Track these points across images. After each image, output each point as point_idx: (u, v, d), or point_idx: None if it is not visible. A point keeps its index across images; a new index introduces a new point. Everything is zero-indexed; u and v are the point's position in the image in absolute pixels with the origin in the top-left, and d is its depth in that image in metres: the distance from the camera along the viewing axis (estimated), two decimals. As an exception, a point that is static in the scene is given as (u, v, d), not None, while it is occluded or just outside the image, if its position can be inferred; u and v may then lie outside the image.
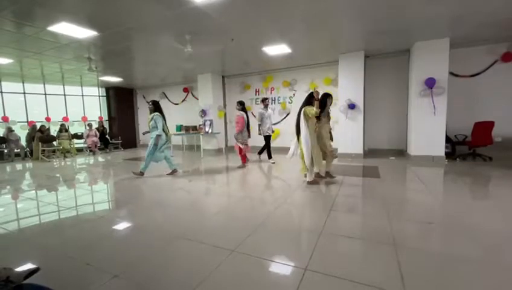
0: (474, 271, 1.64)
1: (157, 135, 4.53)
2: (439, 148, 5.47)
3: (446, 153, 5.54)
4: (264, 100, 6.01)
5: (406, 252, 1.86)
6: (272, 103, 8.25)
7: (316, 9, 3.89)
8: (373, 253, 1.89)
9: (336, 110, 6.91)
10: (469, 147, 5.53)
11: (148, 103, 4.76)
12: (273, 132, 6.16)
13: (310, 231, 2.26)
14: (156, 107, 4.66)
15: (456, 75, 5.86)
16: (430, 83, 5.37)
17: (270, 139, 6.07)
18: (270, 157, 6.06)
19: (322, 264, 1.72)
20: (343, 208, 2.84)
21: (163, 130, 4.60)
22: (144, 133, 5.45)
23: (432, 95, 5.41)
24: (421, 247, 1.97)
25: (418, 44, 5.55)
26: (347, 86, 6.39)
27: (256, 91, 8.49)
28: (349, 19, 4.38)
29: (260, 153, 6.37)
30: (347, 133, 6.41)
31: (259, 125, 5.97)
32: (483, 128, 5.15)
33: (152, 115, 4.60)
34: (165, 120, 4.71)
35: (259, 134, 6.06)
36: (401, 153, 6.44)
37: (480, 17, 4.29)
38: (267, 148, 6.10)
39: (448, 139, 5.66)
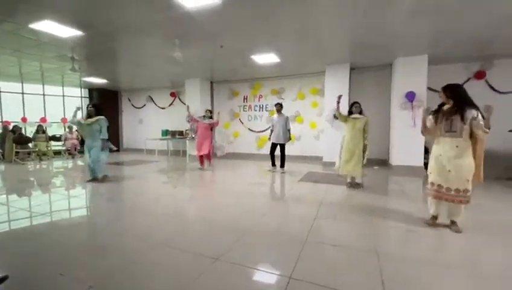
0: (452, 277, 1.70)
1: (102, 139, 4.47)
2: (419, 159, 5.71)
3: (425, 164, 5.79)
4: (275, 105, 5.78)
5: (387, 260, 1.90)
6: (259, 110, 8.31)
7: (304, 22, 4.01)
8: (356, 261, 1.91)
9: (321, 120, 7.10)
10: (446, 159, 5.78)
11: (88, 105, 4.63)
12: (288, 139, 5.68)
13: (294, 239, 2.25)
14: (98, 110, 4.53)
15: (434, 90, 6.19)
16: (410, 97, 5.65)
17: (282, 147, 5.61)
18: (273, 164, 5.79)
19: (306, 273, 1.72)
20: (328, 216, 2.88)
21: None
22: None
23: (412, 108, 5.68)
24: (402, 254, 2.02)
25: (399, 59, 5.83)
26: (333, 96, 6.51)
27: (244, 98, 8.53)
28: (335, 33, 4.54)
29: (281, 165, 5.70)
30: (333, 143, 6.52)
31: (273, 132, 5.72)
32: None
33: (96, 118, 4.43)
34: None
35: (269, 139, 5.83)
36: (384, 162, 6.65)
37: (456, 37, 4.59)
38: (281, 157, 5.67)
39: (427, 150, 5.94)
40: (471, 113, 2.24)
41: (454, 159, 2.31)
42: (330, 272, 1.75)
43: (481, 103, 2.31)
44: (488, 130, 2.18)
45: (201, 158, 6.05)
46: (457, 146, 2.31)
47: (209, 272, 1.73)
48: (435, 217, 2.58)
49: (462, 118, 2.26)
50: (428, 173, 2.57)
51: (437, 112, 2.47)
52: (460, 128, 2.29)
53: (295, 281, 1.63)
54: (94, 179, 4.59)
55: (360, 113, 4.08)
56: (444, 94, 2.44)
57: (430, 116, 2.51)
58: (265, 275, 1.74)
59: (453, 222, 2.48)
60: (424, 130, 2.58)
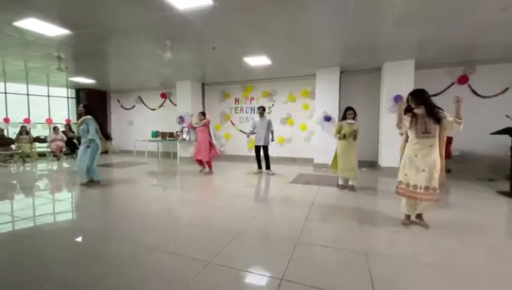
0: (433, 275, 1.75)
1: (89, 139, 4.30)
2: (406, 161, 5.86)
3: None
4: (259, 108, 5.85)
5: (376, 259, 1.93)
6: (251, 112, 8.32)
7: (295, 26, 4.06)
8: (346, 261, 1.94)
9: (312, 122, 7.18)
10: (432, 160, 5.96)
11: (79, 106, 4.54)
12: (271, 141, 5.79)
13: (286, 241, 2.26)
14: (88, 110, 4.42)
15: (421, 94, 6.39)
16: (398, 100, 5.79)
17: (265, 149, 5.70)
18: (259, 167, 5.87)
19: (297, 274, 1.73)
20: (318, 218, 2.90)
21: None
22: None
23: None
24: (391, 254, 2.06)
25: (387, 64, 5.99)
26: (323, 99, 6.67)
27: (236, 100, 8.53)
28: (325, 37, 4.61)
29: (266, 167, 5.81)
30: (323, 144, 6.64)
31: (255, 134, 5.74)
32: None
33: (83, 118, 4.33)
34: (99, 126, 4.46)
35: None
36: (373, 164, 6.78)
37: (441, 43, 4.77)
38: (265, 158, 5.76)
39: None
40: (442, 114, 2.45)
41: (429, 158, 2.46)
42: (321, 273, 1.77)
43: (465, 107, 2.43)
44: (460, 120, 2.36)
45: (199, 161, 5.91)
46: (431, 146, 2.47)
47: (202, 275, 1.71)
48: (408, 217, 2.69)
49: (435, 120, 2.44)
50: (400, 172, 2.63)
51: (413, 116, 2.55)
52: (434, 129, 2.45)
53: (287, 283, 1.63)
54: (90, 182, 4.44)
55: (354, 118, 4.17)
56: (413, 99, 2.55)
57: (407, 120, 2.58)
58: (257, 277, 1.74)
59: (419, 216, 2.64)
60: (400, 123, 2.67)
